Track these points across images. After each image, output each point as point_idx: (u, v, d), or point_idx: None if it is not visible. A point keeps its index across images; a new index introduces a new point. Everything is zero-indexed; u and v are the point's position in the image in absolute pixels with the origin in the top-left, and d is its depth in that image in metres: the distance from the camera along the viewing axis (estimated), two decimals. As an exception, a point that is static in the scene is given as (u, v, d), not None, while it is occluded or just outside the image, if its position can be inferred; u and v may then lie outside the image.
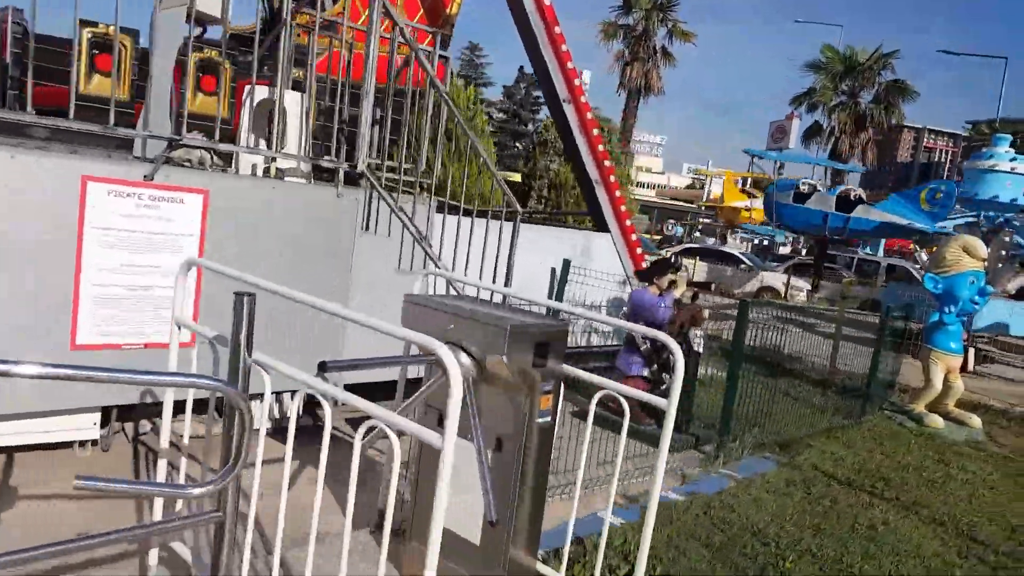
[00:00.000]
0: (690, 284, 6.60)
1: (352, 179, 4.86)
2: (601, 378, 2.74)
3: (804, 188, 17.29)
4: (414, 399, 2.62)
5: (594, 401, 2.76)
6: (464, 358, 2.54)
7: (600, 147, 7.91)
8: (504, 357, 2.41)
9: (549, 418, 2.62)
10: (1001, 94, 29.87)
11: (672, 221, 37.43)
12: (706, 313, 5.70)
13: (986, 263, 7.57)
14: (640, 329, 2.85)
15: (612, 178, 8.02)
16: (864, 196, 17.03)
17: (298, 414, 2.21)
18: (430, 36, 8.63)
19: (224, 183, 3.95)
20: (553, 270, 7.54)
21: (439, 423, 2.84)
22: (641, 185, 70.20)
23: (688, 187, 68.66)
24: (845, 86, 33.17)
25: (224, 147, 3.99)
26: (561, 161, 16.29)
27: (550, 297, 7.48)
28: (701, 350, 5.57)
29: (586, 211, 9.11)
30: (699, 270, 19.96)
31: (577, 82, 7.67)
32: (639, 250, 8.14)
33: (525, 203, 17.04)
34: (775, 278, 19.94)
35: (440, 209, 5.16)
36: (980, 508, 5.26)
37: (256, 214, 4.06)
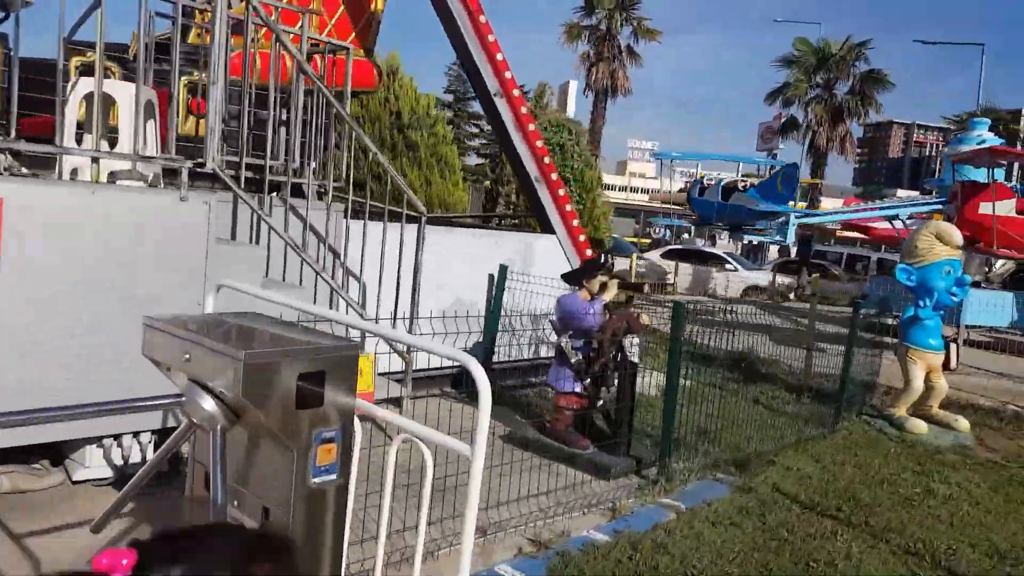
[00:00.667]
0: (625, 286, 5.93)
1: (257, 185, 4.38)
2: (403, 419, 2.07)
3: (707, 183, 17.72)
4: (156, 459, 1.95)
5: (395, 446, 2.09)
6: (208, 401, 1.87)
7: (539, 143, 7.26)
8: (241, 396, 1.75)
9: (335, 475, 1.94)
10: (980, 82, 28.94)
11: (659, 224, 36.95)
12: (645, 318, 5.03)
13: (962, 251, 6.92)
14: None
15: (554, 176, 7.36)
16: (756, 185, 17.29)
17: None
18: (354, 34, 7.98)
19: (24, 189, 3.29)
20: (491, 277, 6.88)
21: (205, 484, 2.17)
22: (635, 190, 69.76)
23: (681, 190, 68.16)
24: (820, 79, 32.49)
25: (25, 147, 3.34)
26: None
27: (488, 307, 6.83)
28: (637, 359, 4.90)
29: (528, 212, 8.47)
30: (682, 272, 19.38)
31: (508, 75, 7.03)
32: (588, 251, 7.49)
33: (494, 208, 16.42)
34: (760, 278, 19.45)
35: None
36: (962, 530, 4.57)
37: (72, 224, 3.40)
